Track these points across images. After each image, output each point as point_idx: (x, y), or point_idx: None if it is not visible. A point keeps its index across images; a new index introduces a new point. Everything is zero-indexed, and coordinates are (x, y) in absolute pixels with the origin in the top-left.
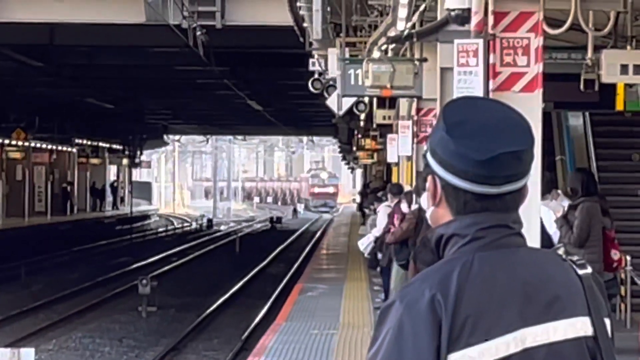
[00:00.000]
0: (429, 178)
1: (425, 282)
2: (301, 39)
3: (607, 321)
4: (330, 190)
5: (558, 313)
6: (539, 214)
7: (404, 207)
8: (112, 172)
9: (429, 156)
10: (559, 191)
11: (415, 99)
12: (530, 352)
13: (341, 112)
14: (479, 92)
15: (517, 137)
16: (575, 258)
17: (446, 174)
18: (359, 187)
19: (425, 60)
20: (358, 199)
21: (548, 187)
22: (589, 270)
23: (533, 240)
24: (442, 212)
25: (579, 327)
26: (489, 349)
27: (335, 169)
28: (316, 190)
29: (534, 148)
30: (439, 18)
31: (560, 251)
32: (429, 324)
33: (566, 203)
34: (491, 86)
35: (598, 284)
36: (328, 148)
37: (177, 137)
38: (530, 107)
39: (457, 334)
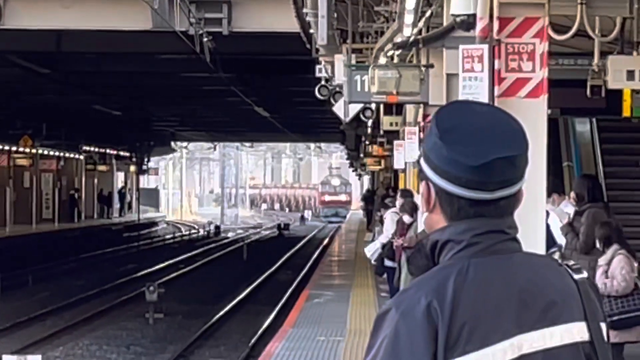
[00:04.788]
0: (423, 184)
1: (421, 289)
2: (308, 46)
3: (603, 326)
4: (343, 198)
5: (554, 319)
6: (545, 220)
7: (406, 218)
8: (119, 179)
9: (422, 162)
10: (566, 197)
11: (421, 105)
12: (527, 358)
13: (348, 119)
14: (484, 98)
15: (510, 142)
16: (571, 263)
17: (440, 179)
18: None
19: (432, 66)
20: (362, 205)
21: (547, 193)
22: (585, 274)
23: (540, 246)
24: (437, 218)
25: (575, 332)
26: (486, 355)
27: (343, 175)
28: (326, 198)
29: (528, 153)
30: (444, 24)
31: (556, 256)
32: (425, 332)
33: (569, 209)
34: (496, 92)
35: (594, 288)
36: (336, 155)
37: (184, 144)
38: (536, 112)
39: (453, 341)
